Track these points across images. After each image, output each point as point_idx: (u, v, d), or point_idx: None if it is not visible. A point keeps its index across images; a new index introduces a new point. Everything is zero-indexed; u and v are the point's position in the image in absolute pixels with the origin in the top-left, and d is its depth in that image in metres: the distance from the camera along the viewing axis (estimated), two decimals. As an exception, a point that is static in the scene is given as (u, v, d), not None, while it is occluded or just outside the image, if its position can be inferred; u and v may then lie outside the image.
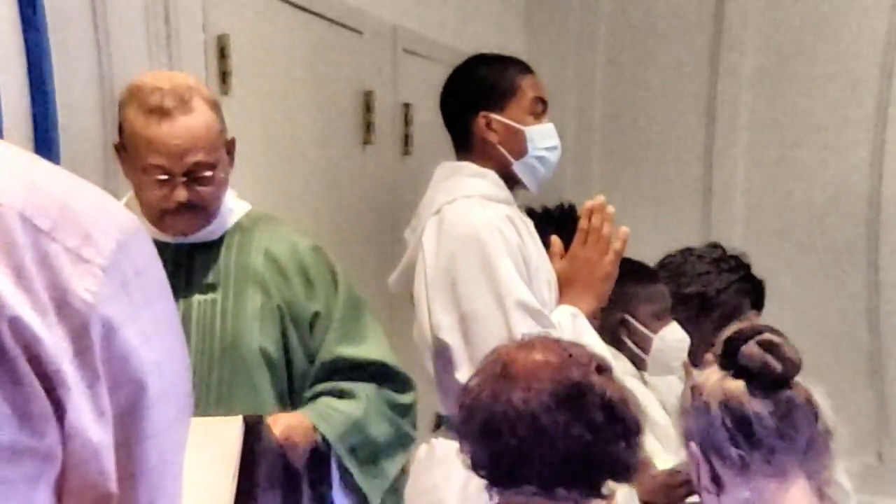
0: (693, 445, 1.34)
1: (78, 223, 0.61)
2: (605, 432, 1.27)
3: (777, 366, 1.31)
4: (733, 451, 1.31)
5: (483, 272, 1.90)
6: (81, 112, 1.78)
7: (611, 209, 2.01)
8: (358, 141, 2.70)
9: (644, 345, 2.31)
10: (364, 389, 1.72)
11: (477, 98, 2.05)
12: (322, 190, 2.57)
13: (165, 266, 1.74)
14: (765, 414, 1.30)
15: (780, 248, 3.07)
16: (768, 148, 3.15)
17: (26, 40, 1.63)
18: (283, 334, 1.71)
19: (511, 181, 2.06)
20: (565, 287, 2.00)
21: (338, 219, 2.60)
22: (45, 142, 1.65)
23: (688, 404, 1.36)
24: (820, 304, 3.03)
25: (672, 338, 2.30)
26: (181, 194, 1.65)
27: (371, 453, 1.73)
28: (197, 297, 1.69)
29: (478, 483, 1.94)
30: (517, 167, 2.04)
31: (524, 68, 2.09)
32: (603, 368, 1.31)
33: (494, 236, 1.92)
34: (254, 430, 1.52)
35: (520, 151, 2.03)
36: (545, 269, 2.01)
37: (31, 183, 0.61)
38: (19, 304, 0.58)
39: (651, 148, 3.28)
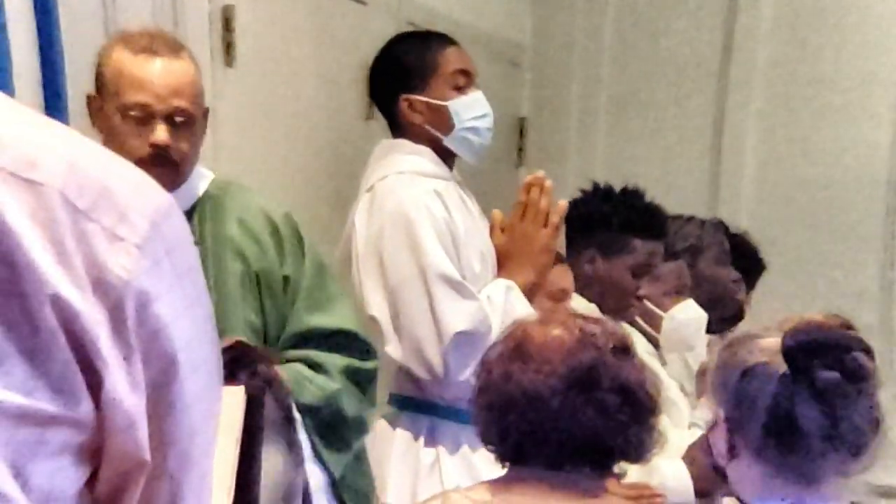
0: (720, 413, 1.27)
1: (114, 203, 0.63)
2: (617, 415, 1.26)
3: (851, 390, 1.22)
4: (764, 450, 1.24)
5: (408, 246, 1.94)
6: (87, 82, 1.78)
7: (549, 183, 2.04)
8: (361, 115, 2.69)
9: (654, 323, 2.32)
10: (335, 363, 1.72)
11: (396, 81, 2.09)
12: (324, 163, 2.57)
13: None
14: (816, 431, 1.22)
15: (789, 229, 3.04)
16: (780, 125, 3.11)
17: (36, 10, 1.63)
18: (261, 303, 1.70)
19: (450, 155, 2.09)
20: (503, 260, 2.05)
21: (340, 192, 2.61)
22: (54, 107, 1.66)
23: (734, 380, 1.25)
24: (830, 286, 2.99)
25: (685, 316, 2.31)
26: (161, 134, 1.58)
27: (338, 427, 1.74)
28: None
29: (413, 458, 1.95)
30: (449, 142, 2.07)
31: (443, 42, 2.11)
32: (620, 348, 1.30)
33: (420, 211, 1.96)
34: (255, 401, 1.53)
35: (447, 127, 2.06)
36: (479, 242, 2.05)
37: (72, 163, 0.63)
38: (61, 281, 0.61)
39: (658, 125, 3.26)
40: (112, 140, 1.60)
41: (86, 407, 0.62)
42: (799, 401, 1.22)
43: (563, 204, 2.06)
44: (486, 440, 1.34)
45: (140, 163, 1.55)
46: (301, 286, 1.72)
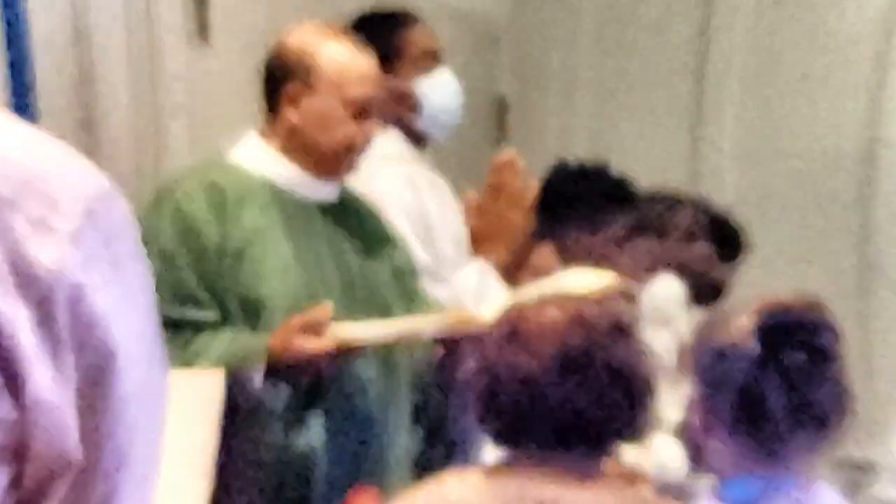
0: (696, 390, 1.33)
1: (44, 191, 0.60)
2: (609, 396, 1.27)
3: (820, 372, 1.27)
4: (735, 428, 1.29)
5: None
6: (57, 61, 1.75)
7: (521, 163, 2.04)
8: (340, 94, 2.66)
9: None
10: None
11: None
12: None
13: (316, 226, 1.71)
14: (783, 410, 1.27)
15: (770, 203, 3.05)
16: (759, 100, 3.12)
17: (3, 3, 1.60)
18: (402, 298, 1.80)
19: (420, 136, 2.09)
20: (477, 241, 2.05)
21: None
22: (20, 89, 1.63)
23: (708, 359, 1.31)
24: (808, 260, 3.01)
25: (663, 291, 2.32)
26: (374, 126, 1.74)
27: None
28: (352, 261, 1.74)
29: None
30: (420, 123, 2.07)
31: (407, 22, 2.09)
32: (616, 328, 1.30)
33: (390, 197, 1.96)
34: (236, 383, 1.52)
35: (416, 108, 2.05)
36: (451, 225, 2.06)
37: None
38: None
39: (638, 101, 3.26)
40: (320, 127, 1.70)
41: (5, 407, 0.59)
42: (767, 381, 1.27)
43: (535, 184, 2.06)
44: (482, 422, 1.35)
45: (349, 149, 1.72)
46: (411, 283, 1.84)
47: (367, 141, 1.73)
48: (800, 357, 1.27)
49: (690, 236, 2.56)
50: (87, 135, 1.81)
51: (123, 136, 2.01)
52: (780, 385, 1.27)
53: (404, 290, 1.80)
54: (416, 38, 2.06)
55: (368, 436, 1.70)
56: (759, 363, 1.27)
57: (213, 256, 1.61)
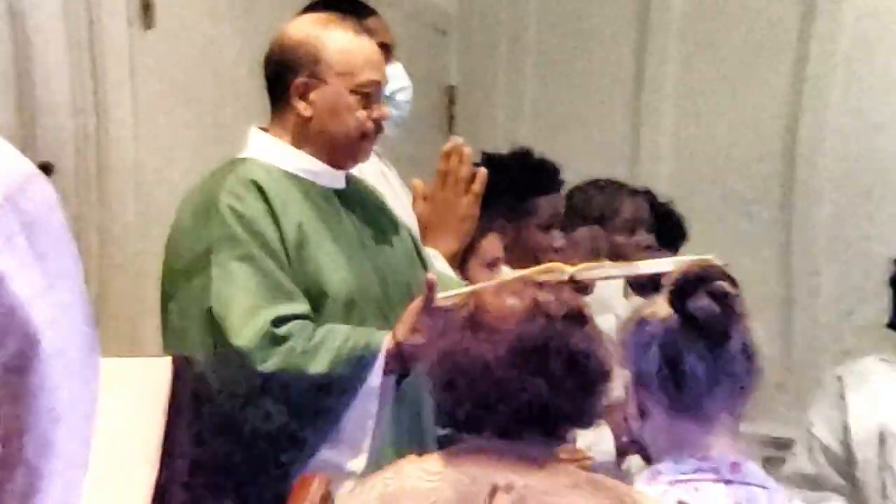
0: (628, 374, 1.39)
1: None
2: (565, 383, 1.28)
3: (724, 320, 1.35)
4: (662, 395, 1.36)
5: None
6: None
7: (468, 151, 2.04)
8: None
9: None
10: None
11: None
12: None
13: (341, 214, 1.74)
14: (700, 366, 1.35)
15: (702, 192, 3.14)
16: (695, 91, 3.21)
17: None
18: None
19: None
20: (426, 229, 2.05)
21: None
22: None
23: (631, 331, 1.39)
24: (735, 244, 3.05)
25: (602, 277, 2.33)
26: (386, 110, 1.75)
27: None
28: (374, 246, 1.74)
29: None
30: None
31: (358, 14, 2.07)
32: (572, 316, 1.31)
33: None
34: (182, 372, 1.51)
35: None
36: (400, 214, 2.04)
37: None
38: None
39: (581, 90, 3.30)
40: (332, 118, 1.70)
41: None
42: (682, 338, 1.36)
43: (483, 171, 2.05)
44: (441, 409, 1.36)
45: (363, 136, 1.72)
46: (426, 263, 1.85)
47: (379, 126, 1.73)
48: (704, 303, 1.35)
49: (632, 225, 2.59)
50: (23, 117, 1.77)
51: (63, 119, 1.97)
52: (693, 339, 1.35)
53: (420, 271, 1.80)
54: (370, 30, 2.06)
55: (414, 415, 1.71)
56: (674, 322, 1.36)
57: (279, 251, 1.61)
